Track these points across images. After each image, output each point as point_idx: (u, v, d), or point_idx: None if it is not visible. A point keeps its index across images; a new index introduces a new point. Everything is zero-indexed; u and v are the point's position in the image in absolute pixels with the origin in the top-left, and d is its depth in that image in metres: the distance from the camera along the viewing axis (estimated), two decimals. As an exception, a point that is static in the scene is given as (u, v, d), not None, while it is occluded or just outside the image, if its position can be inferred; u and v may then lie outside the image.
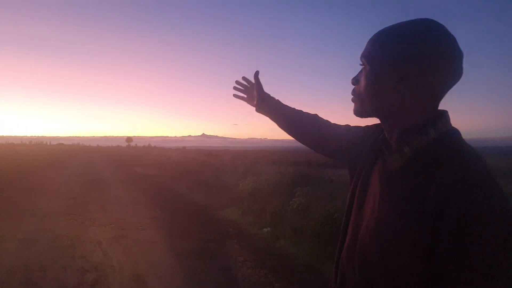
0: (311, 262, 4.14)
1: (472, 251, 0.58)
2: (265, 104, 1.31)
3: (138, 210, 6.78)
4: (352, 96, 0.83)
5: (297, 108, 1.28)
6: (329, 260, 4.00)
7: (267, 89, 1.34)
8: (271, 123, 1.36)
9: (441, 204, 0.63)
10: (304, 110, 1.27)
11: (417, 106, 0.74)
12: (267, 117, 1.35)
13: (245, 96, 1.41)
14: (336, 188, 7.68)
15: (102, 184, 10.54)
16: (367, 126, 1.01)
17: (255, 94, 1.33)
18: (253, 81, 1.35)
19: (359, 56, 0.82)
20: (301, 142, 1.24)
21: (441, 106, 0.77)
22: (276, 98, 1.33)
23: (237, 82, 1.42)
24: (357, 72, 0.83)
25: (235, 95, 1.43)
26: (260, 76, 1.34)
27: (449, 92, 0.75)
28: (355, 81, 0.82)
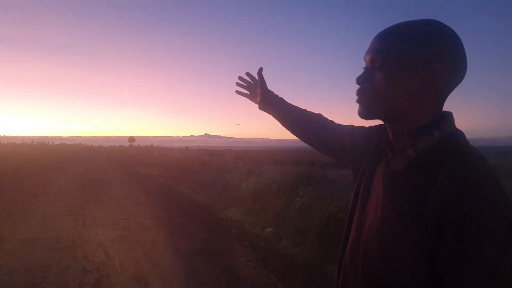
0: (314, 262, 4.11)
1: (474, 252, 0.59)
2: (269, 101, 1.28)
3: (140, 210, 6.76)
4: (358, 97, 0.79)
5: (301, 107, 1.26)
6: (331, 260, 3.98)
7: (273, 87, 1.32)
8: (274, 122, 1.34)
9: (443, 204, 0.63)
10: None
11: (425, 107, 0.74)
12: (270, 117, 1.33)
13: (248, 93, 1.38)
14: (339, 188, 7.65)
15: (104, 184, 10.54)
16: (370, 127, 1.01)
17: (258, 91, 1.31)
18: (256, 77, 1.32)
19: (362, 56, 0.80)
20: (304, 141, 1.22)
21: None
22: (280, 97, 1.30)
23: (240, 78, 1.39)
24: (360, 72, 0.80)
25: (237, 92, 1.40)
26: (266, 77, 1.31)
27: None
28: (363, 81, 0.78)
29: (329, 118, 1.21)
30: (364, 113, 0.79)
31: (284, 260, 4.23)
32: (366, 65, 0.78)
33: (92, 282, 3.44)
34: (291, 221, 5.50)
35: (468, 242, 0.59)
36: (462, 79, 0.74)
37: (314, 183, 8.02)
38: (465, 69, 0.73)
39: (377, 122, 0.85)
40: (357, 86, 0.80)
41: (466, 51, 0.73)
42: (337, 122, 1.18)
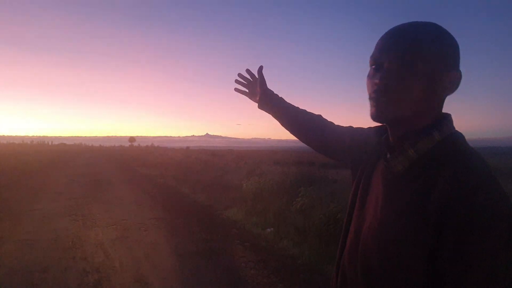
0: (314, 262, 4.10)
1: (475, 252, 0.59)
2: (269, 100, 1.27)
3: (141, 211, 6.75)
4: (378, 99, 0.75)
5: (300, 108, 1.25)
6: (332, 260, 3.96)
7: (274, 87, 1.30)
8: (275, 123, 1.32)
9: (443, 205, 0.63)
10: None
11: (431, 110, 0.75)
12: (271, 117, 1.31)
13: (247, 91, 1.37)
14: (339, 188, 7.64)
15: (104, 184, 10.53)
16: (369, 128, 1.01)
17: (258, 90, 1.30)
18: (256, 75, 1.31)
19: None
20: (303, 142, 1.22)
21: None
22: (279, 96, 1.29)
23: (239, 75, 1.37)
24: (362, 72, 0.79)
25: (236, 89, 1.39)
26: (266, 76, 1.30)
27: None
28: (388, 84, 0.73)
29: (329, 119, 1.20)
30: (382, 116, 0.75)
31: (285, 260, 4.22)
32: (387, 66, 0.74)
33: (92, 283, 3.42)
34: (291, 221, 5.48)
35: (469, 243, 0.60)
36: (460, 81, 0.76)
37: (314, 183, 7.99)
38: (460, 71, 0.76)
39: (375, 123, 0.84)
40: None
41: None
42: (337, 123, 1.18)
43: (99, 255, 4.19)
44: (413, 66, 0.71)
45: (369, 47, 0.82)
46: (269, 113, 1.29)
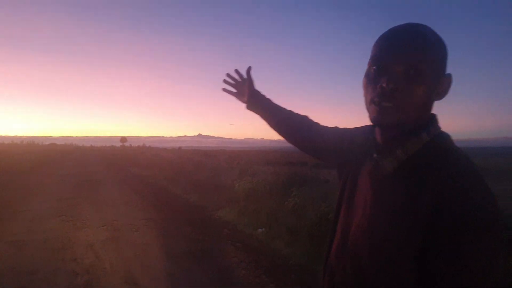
0: (306, 262, 4.10)
1: (468, 252, 0.60)
2: (256, 101, 1.28)
3: (132, 211, 6.69)
4: (384, 104, 0.72)
5: (287, 109, 1.26)
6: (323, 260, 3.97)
7: (261, 89, 1.30)
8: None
9: (436, 206, 0.64)
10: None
11: (425, 110, 0.75)
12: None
13: (235, 91, 1.36)
14: (331, 188, 7.66)
15: (95, 185, 10.43)
16: (355, 128, 1.02)
17: (246, 90, 1.30)
18: (245, 76, 1.31)
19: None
20: (290, 142, 1.22)
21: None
22: (267, 97, 1.30)
23: (228, 75, 1.37)
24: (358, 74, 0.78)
25: (224, 89, 1.38)
26: (255, 77, 1.30)
27: None
28: (387, 86, 0.71)
29: (317, 120, 1.21)
30: (385, 121, 0.73)
31: (277, 261, 4.21)
32: (395, 69, 0.71)
33: (82, 284, 3.38)
34: (283, 222, 5.48)
35: (463, 243, 0.60)
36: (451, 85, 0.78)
37: (306, 184, 8.02)
38: None
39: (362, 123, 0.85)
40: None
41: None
42: (324, 124, 1.19)
43: (89, 256, 4.14)
44: (421, 70, 0.70)
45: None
46: (257, 113, 1.29)
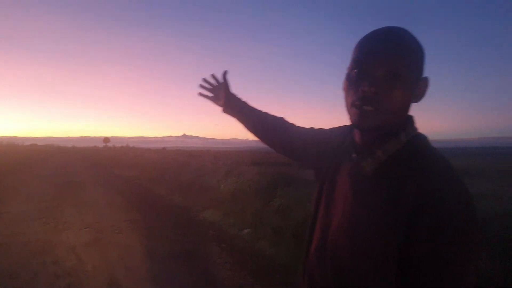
0: (291, 263, 4.11)
1: (446, 253, 0.62)
2: (233, 104, 1.28)
3: (115, 213, 6.60)
4: (365, 108, 0.72)
5: (263, 111, 1.27)
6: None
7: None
8: None
9: (416, 207, 0.65)
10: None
11: (404, 112, 0.76)
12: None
13: (211, 95, 1.36)
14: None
15: (77, 186, 10.25)
16: (331, 129, 1.03)
17: (222, 94, 1.30)
18: (221, 80, 1.31)
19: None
20: (267, 144, 1.23)
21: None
22: (243, 100, 1.30)
23: (204, 80, 1.37)
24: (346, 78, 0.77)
25: (200, 94, 1.38)
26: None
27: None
28: (369, 89, 0.71)
29: (303, 121, 1.21)
30: (367, 124, 0.73)
31: (262, 261, 4.22)
32: (378, 73, 0.71)
33: (63, 287, 3.31)
34: (269, 222, 5.49)
35: (442, 243, 0.62)
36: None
37: (292, 184, 8.03)
38: None
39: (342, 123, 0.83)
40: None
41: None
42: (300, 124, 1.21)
43: (71, 258, 4.06)
44: (401, 74, 0.71)
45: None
46: (233, 116, 1.29)
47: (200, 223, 6.19)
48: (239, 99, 1.29)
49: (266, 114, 1.24)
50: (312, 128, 1.12)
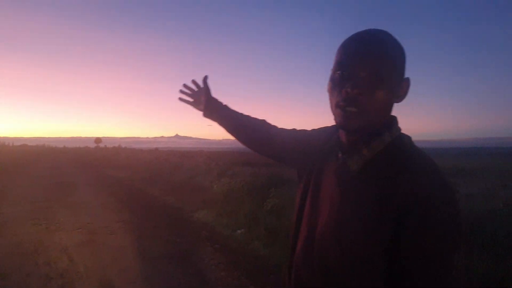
0: (285, 263, 4.13)
1: (433, 248, 0.64)
2: (213, 108, 1.28)
3: (107, 214, 6.56)
4: (349, 109, 0.74)
5: (245, 114, 1.27)
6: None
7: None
8: None
9: (403, 205, 0.67)
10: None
11: (386, 112, 0.79)
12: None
13: (192, 100, 1.36)
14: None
15: (69, 187, 10.17)
16: (313, 130, 1.05)
17: (203, 99, 1.30)
18: (202, 85, 1.32)
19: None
20: (249, 147, 1.23)
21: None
22: (224, 103, 1.30)
23: (184, 85, 1.37)
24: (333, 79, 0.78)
25: (180, 99, 1.38)
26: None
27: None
28: (352, 91, 0.73)
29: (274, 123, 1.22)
30: (351, 125, 0.75)
31: (256, 262, 4.22)
32: (361, 75, 0.73)
33: (55, 289, 3.29)
34: (262, 222, 5.50)
35: (429, 240, 0.64)
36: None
37: (285, 184, 8.06)
38: None
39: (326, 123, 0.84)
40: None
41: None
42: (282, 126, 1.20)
43: (63, 260, 4.03)
44: (383, 75, 0.73)
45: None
46: (214, 120, 1.30)
47: (194, 223, 6.18)
48: (220, 103, 1.29)
49: (248, 117, 1.24)
50: (294, 129, 1.13)
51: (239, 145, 1.26)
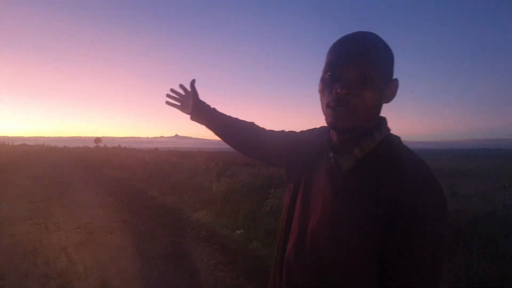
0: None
1: (422, 245, 0.68)
2: (200, 112, 1.29)
3: (106, 214, 6.55)
4: (339, 109, 0.76)
5: (233, 117, 1.27)
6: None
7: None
8: None
9: (395, 202, 0.70)
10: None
11: (376, 113, 0.81)
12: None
13: (179, 104, 1.37)
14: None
15: (68, 186, 10.16)
16: (302, 131, 1.07)
17: (190, 103, 1.31)
18: (189, 89, 1.32)
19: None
20: (237, 149, 1.24)
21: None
22: (212, 106, 1.31)
23: (172, 90, 1.38)
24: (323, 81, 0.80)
25: (168, 103, 1.39)
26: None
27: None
28: (342, 92, 0.74)
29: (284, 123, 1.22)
30: (341, 125, 0.77)
31: (254, 262, 4.22)
32: (351, 76, 0.75)
33: (54, 288, 3.29)
34: (261, 223, 5.50)
35: (419, 237, 0.68)
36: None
37: (284, 185, 8.07)
38: None
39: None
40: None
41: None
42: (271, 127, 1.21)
43: (62, 259, 4.03)
44: (372, 76, 0.75)
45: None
46: (202, 123, 1.30)
47: (193, 224, 6.17)
48: (207, 106, 1.29)
49: (236, 119, 1.25)
50: (282, 131, 1.15)
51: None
